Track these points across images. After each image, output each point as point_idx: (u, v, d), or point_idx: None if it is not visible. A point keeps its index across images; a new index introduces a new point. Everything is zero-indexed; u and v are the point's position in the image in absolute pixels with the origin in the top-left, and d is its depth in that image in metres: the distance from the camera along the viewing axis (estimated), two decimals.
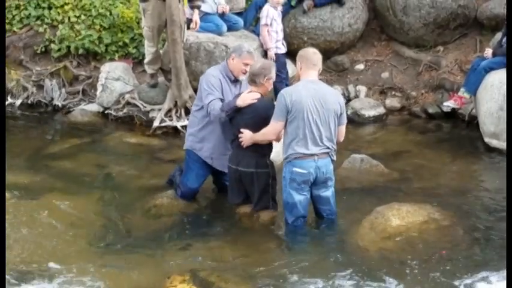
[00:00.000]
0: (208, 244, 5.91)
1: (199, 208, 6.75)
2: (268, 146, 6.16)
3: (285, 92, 5.88)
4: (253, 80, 6.12)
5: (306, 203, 6.01)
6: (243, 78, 6.47)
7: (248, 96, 6.08)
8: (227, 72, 6.45)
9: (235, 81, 6.48)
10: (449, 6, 10.17)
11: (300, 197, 5.93)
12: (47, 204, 6.66)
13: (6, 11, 10.24)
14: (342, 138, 6.11)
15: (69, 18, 10.30)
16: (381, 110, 9.92)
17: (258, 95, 6.08)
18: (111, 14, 10.28)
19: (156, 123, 9.10)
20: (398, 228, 6.03)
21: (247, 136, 6.04)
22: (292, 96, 5.79)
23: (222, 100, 6.31)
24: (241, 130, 6.07)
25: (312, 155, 5.80)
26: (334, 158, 6.01)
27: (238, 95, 6.22)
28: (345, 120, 6.06)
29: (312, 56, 6.01)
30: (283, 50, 9.79)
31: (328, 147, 5.88)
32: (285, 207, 6.05)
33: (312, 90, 5.84)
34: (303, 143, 5.78)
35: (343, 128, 6.07)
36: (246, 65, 6.36)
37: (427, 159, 8.17)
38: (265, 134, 5.98)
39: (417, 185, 7.33)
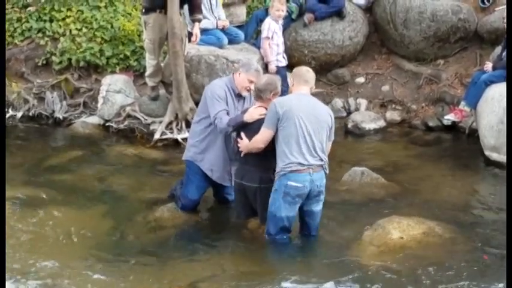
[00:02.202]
0: (208, 256, 5.91)
1: (200, 220, 6.75)
2: (272, 160, 6.13)
3: (276, 101, 5.92)
4: (259, 95, 6.13)
5: (292, 220, 6.00)
6: (246, 95, 6.48)
7: (256, 112, 6.08)
8: (232, 86, 6.46)
9: (239, 96, 6.49)
10: (449, 19, 10.20)
11: (289, 213, 5.91)
12: (47, 216, 6.66)
13: (8, 23, 10.26)
14: (326, 155, 6.10)
15: (70, 30, 10.31)
16: (381, 123, 9.92)
17: (265, 111, 6.07)
18: (112, 26, 10.30)
19: (156, 136, 9.11)
20: (398, 241, 6.04)
21: (244, 143, 6.06)
22: (284, 105, 5.83)
23: (227, 112, 6.32)
24: (241, 136, 6.08)
25: (308, 167, 5.80)
26: (327, 171, 6.01)
27: (245, 110, 6.23)
28: (332, 137, 6.08)
29: (304, 73, 6.10)
30: (284, 63, 9.81)
31: (321, 159, 5.88)
32: (270, 219, 5.99)
33: (304, 100, 5.92)
34: (297, 151, 5.77)
35: (330, 145, 6.08)
36: (251, 82, 6.35)
37: (428, 172, 8.17)
38: (254, 142, 5.99)
39: (418, 198, 7.33)
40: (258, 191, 6.08)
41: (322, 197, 6.02)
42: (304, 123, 5.79)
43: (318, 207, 6.05)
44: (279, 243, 6.05)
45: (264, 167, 6.05)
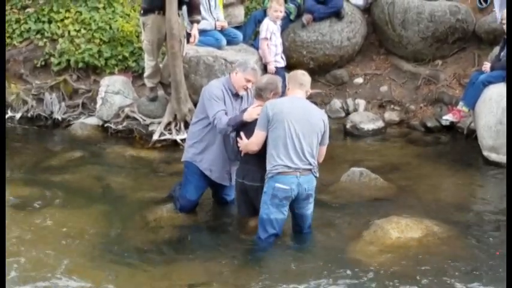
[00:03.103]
0: (207, 257, 5.90)
1: (199, 221, 6.75)
2: None
3: (269, 102, 5.95)
4: (259, 94, 6.16)
5: (282, 222, 6.01)
6: (243, 93, 6.50)
7: (254, 111, 6.10)
8: (229, 86, 6.47)
9: (237, 95, 6.50)
10: (447, 20, 10.21)
11: (277, 216, 5.92)
12: (46, 217, 6.67)
13: (7, 24, 10.26)
14: (321, 159, 6.12)
15: (69, 32, 10.31)
16: (379, 124, 9.92)
17: None
18: (111, 27, 10.31)
19: (155, 137, 9.11)
20: (397, 241, 6.05)
21: (243, 143, 6.09)
22: (275, 107, 5.86)
23: (225, 112, 6.33)
24: (241, 136, 6.10)
25: (295, 170, 5.81)
26: (317, 174, 6.02)
27: (245, 110, 6.25)
28: (326, 141, 6.09)
29: (300, 76, 6.12)
30: (282, 63, 9.81)
31: (310, 163, 5.89)
32: (260, 223, 6.01)
33: (297, 104, 5.94)
34: (284, 154, 5.79)
35: (324, 149, 6.10)
36: (248, 81, 6.39)
37: (426, 172, 8.18)
38: (248, 144, 6.04)
39: (416, 198, 7.34)
40: (260, 190, 6.07)
41: (312, 199, 6.05)
42: (294, 126, 5.81)
43: (308, 210, 6.08)
44: (277, 245, 6.06)
45: (265, 166, 6.03)
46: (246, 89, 6.46)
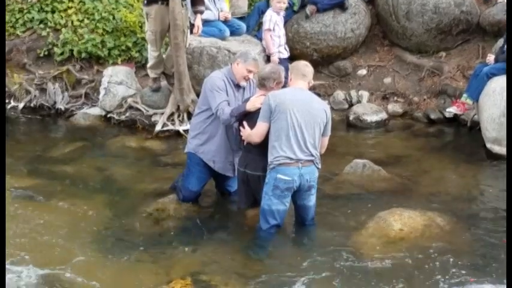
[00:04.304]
0: (210, 247, 5.92)
1: (201, 212, 6.75)
2: None
3: (271, 94, 5.93)
4: (262, 83, 6.16)
5: (283, 213, 6.01)
6: (244, 84, 6.49)
7: (257, 100, 6.10)
8: (231, 76, 6.46)
9: (238, 86, 6.50)
10: (451, 12, 10.19)
11: (279, 207, 5.92)
12: (48, 207, 6.68)
13: (10, 14, 10.27)
14: (323, 150, 6.11)
15: (72, 22, 10.32)
16: (383, 115, 9.90)
17: None
18: (114, 18, 10.30)
19: (158, 127, 9.10)
20: (400, 233, 6.05)
21: (246, 132, 6.09)
22: (277, 98, 5.85)
23: (228, 103, 6.32)
24: (243, 125, 6.11)
25: (297, 161, 5.80)
26: (319, 166, 6.01)
27: (247, 99, 6.25)
28: (328, 132, 6.07)
29: (302, 67, 6.10)
30: (285, 54, 9.81)
31: (312, 155, 5.88)
32: (261, 213, 6.01)
33: (298, 95, 5.92)
34: (287, 145, 5.79)
35: (326, 140, 6.09)
36: (250, 71, 6.39)
37: (429, 164, 8.17)
38: (250, 136, 6.04)
39: (419, 190, 7.33)
40: (262, 179, 6.07)
41: (314, 191, 6.04)
42: (296, 117, 5.80)
43: (310, 202, 6.08)
44: (279, 236, 6.06)
45: (267, 155, 6.03)
46: (247, 80, 6.46)
